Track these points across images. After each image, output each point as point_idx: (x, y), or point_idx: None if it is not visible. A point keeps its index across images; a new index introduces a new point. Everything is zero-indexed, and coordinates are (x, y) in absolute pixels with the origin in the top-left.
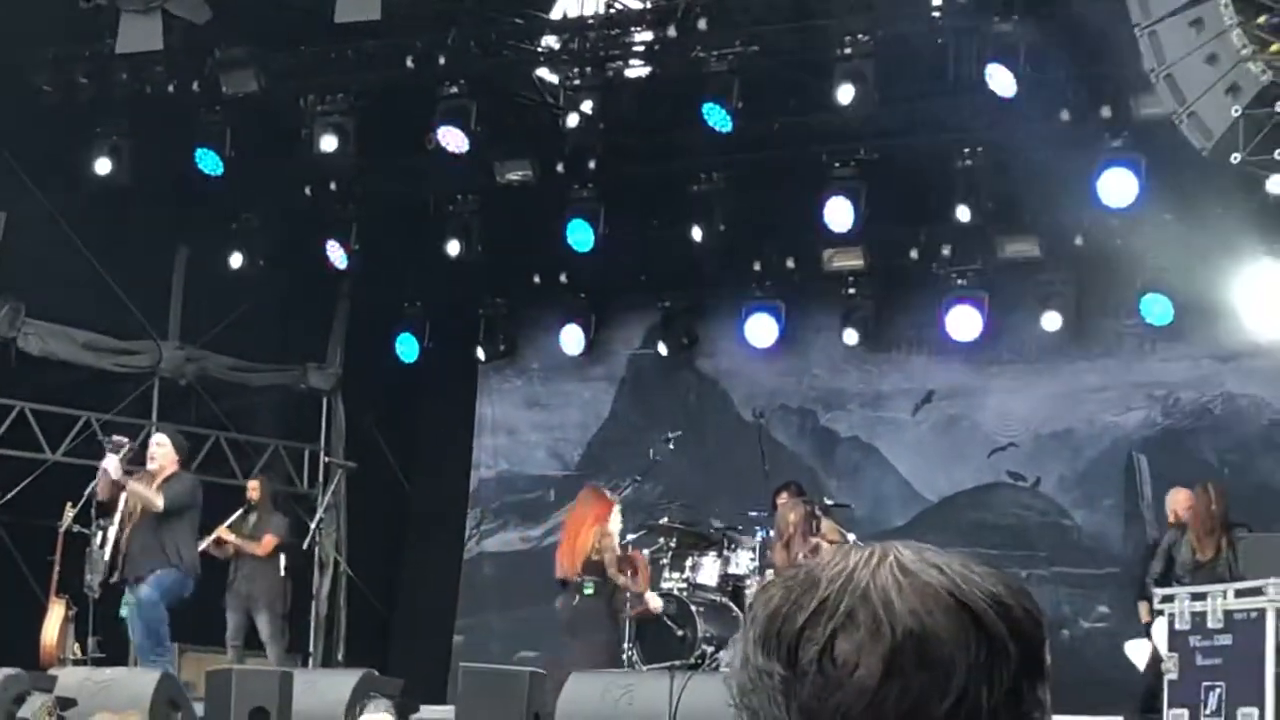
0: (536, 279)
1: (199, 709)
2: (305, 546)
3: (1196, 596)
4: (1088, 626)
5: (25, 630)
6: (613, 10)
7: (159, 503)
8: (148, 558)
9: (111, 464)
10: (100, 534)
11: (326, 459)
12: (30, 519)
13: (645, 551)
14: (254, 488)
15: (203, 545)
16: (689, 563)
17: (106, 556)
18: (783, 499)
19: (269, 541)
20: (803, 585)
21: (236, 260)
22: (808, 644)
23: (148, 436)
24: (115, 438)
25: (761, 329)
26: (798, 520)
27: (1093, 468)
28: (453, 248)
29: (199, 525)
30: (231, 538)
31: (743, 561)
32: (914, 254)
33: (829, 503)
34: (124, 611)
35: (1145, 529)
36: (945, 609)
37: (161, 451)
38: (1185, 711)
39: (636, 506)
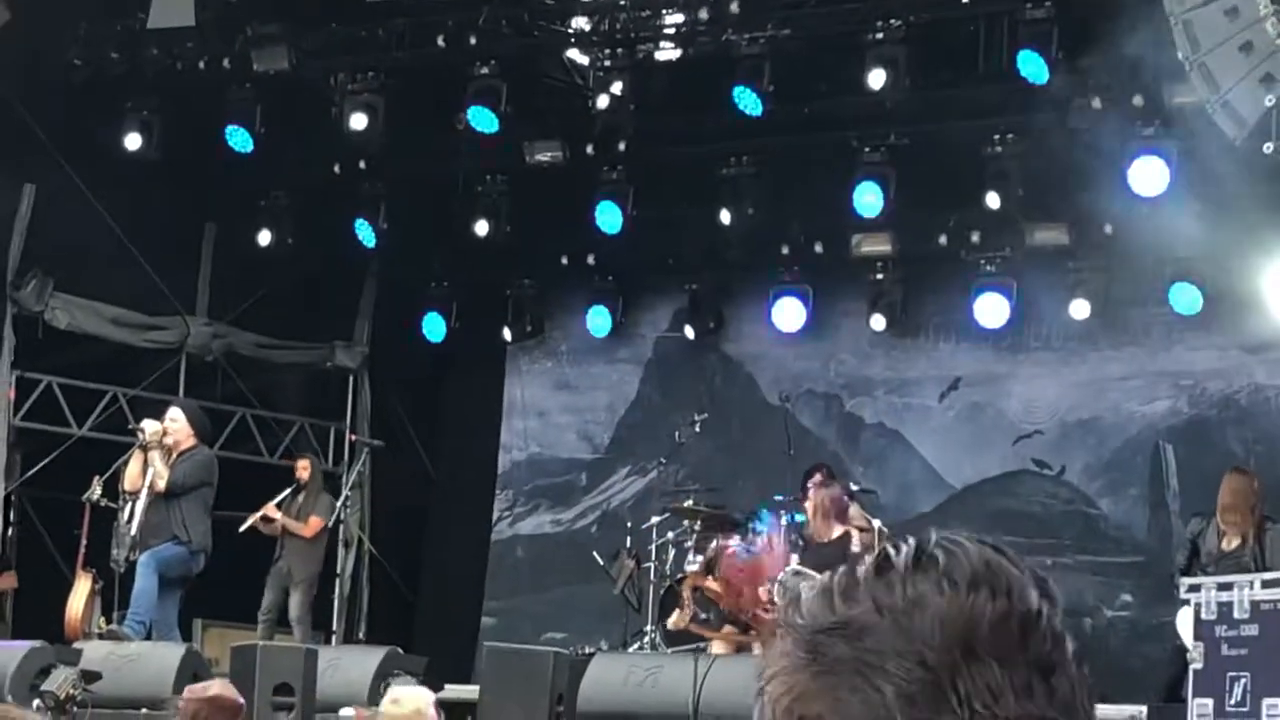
0: (564, 260)
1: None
2: (329, 524)
3: (1223, 586)
4: (1111, 615)
5: (51, 603)
6: None
7: (160, 483)
8: (157, 533)
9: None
10: (127, 508)
11: (353, 437)
12: (57, 493)
13: (670, 534)
14: (304, 467)
15: (249, 521)
16: (713, 545)
17: (133, 531)
18: (816, 480)
19: (314, 523)
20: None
21: (265, 237)
22: None
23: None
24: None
25: (789, 313)
26: (830, 504)
27: (1118, 456)
28: (481, 228)
29: (213, 502)
30: (279, 515)
31: None
32: (943, 240)
33: (855, 488)
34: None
35: (1170, 518)
36: None
37: (176, 426)
38: (1210, 701)
39: (662, 489)
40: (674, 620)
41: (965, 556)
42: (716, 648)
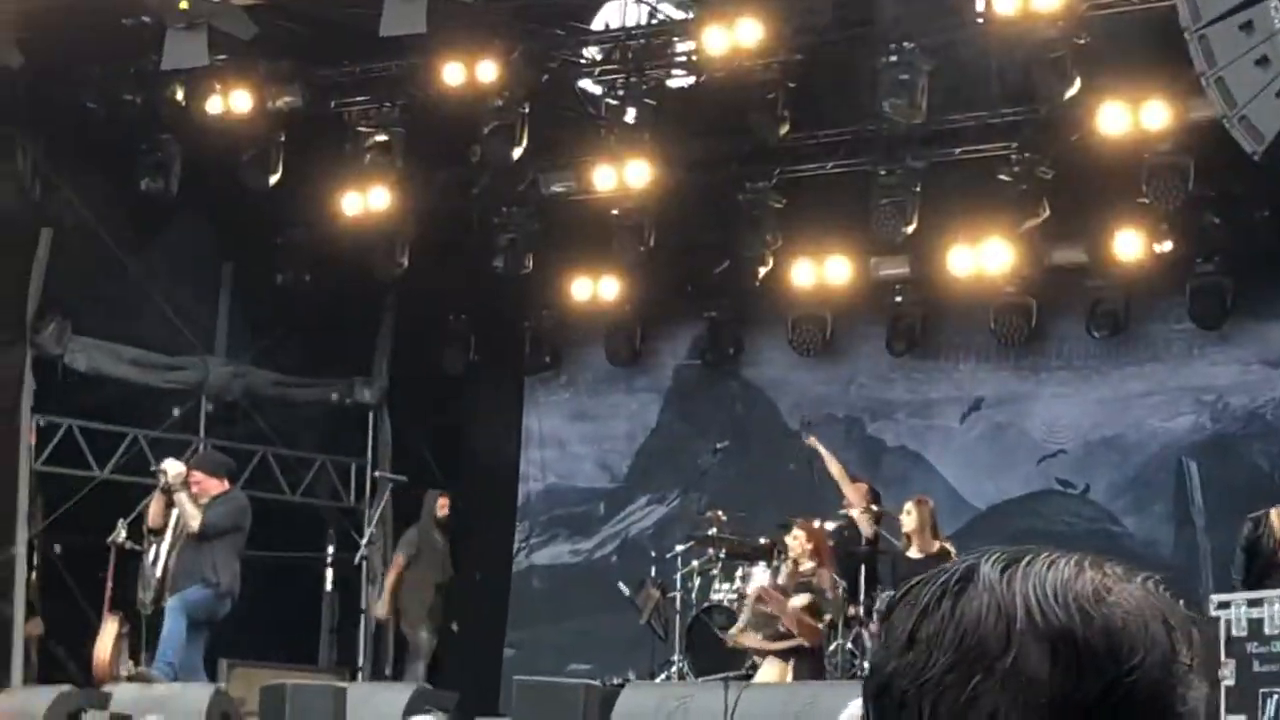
0: (582, 291)
1: None
2: (355, 562)
3: (1253, 603)
4: None
5: (79, 647)
6: (655, 20)
7: (194, 524)
8: (186, 577)
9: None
10: (153, 550)
11: (375, 474)
12: (81, 536)
13: (695, 563)
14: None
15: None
16: (739, 573)
17: (158, 574)
18: (917, 498)
19: (397, 562)
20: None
21: (282, 275)
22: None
23: (194, 455)
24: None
25: (808, 338)
26: (932, 519)
27: (1142, 474)
28: (498, 260)
29: (243, 546)
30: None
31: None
32: (962, 261)
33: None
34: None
35: (1196, 534)
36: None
37: (197, 479)
38: (1242, 718)
39: (684, 518)
40: (737, 632)
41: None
42: (767, 667)
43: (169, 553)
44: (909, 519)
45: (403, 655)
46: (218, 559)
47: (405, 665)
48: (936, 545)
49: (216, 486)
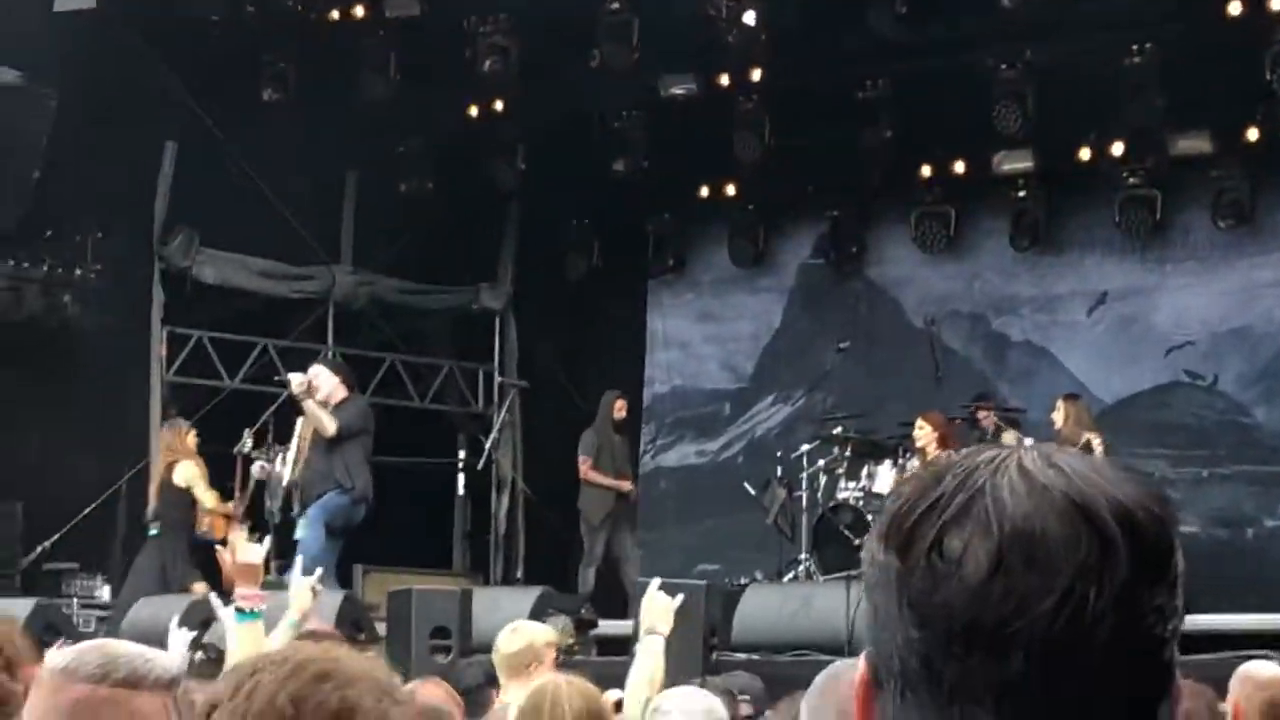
0: (704, 192)
1: (381, 629)
2: (481, 466)
3: None
4: (1271, 525)
5: (209, 556)
6: None
7: (331, 427)
8: (320, 483)
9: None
10: (277, 459)
11: (500, 379)
12: (210, 446)
13: (821, 462)
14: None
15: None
16: (865, 472)
17: (285, 481)
18: (1066, 395)
19: (585, 462)
20: (928, 481)
21: (405, 183)
22: (920, 538)
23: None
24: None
25: (931, 235)
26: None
27: (1272, 364)
28: (619, 164)
29: (372, 449)
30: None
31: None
32: (1084, 154)
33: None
34: (298, 534)
35: None
36: (1058, 509)
37: (321, 381)
38: None
39: (809, 417)
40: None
41: (1001, 523)
42: None
43: (296, 462)
44: (1059, 416)
45: (534, 559)
46: (350, 464)
47: (578, 569)
48: (1083, 437)
49: (342, 392)
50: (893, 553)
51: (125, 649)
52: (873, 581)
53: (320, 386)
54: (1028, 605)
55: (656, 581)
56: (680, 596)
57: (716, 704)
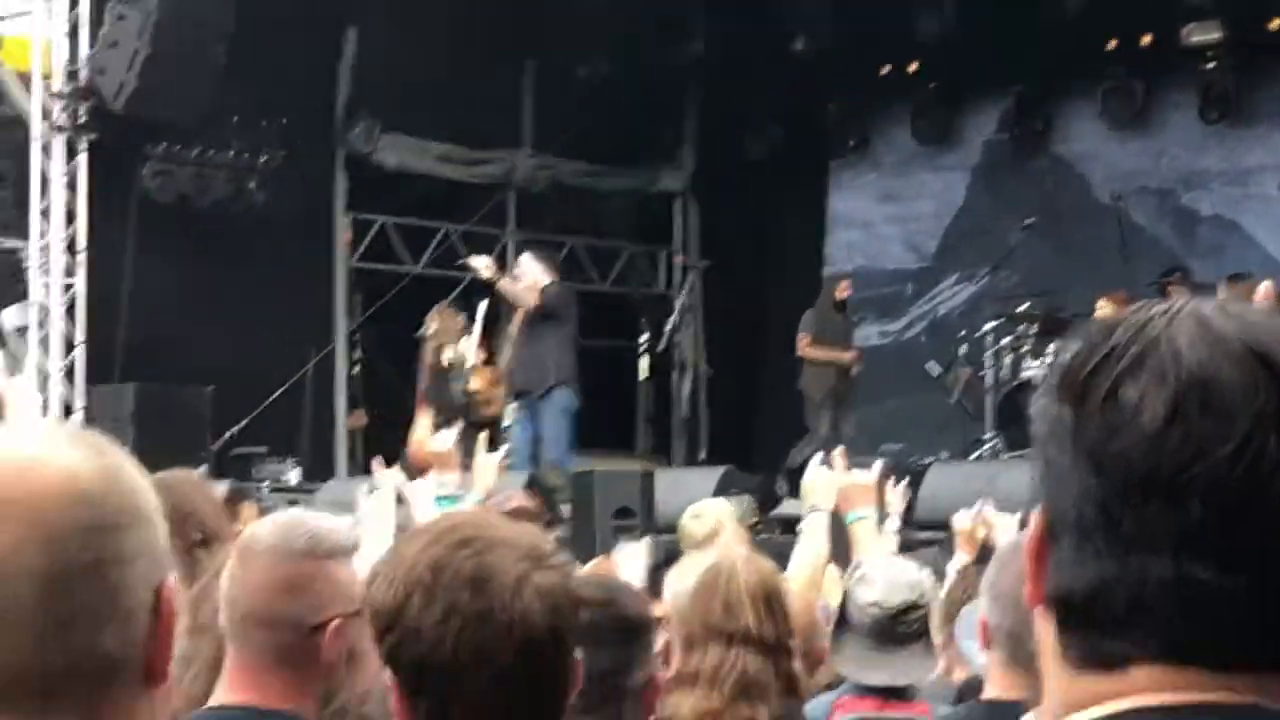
0: (886, 70)
1: (564, 511)
2: (663, 349)
3: None
4: None
5: (399, 438)
6: None
7: (529, 299)
8: (534, 369)
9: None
10: (463, 341)
11: (681, 260)
12: (395, 330)
13: (1005, 340)
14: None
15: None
16: (1050, 349)
17: (468, 364)
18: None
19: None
20: (1101, 334)
21: (584, 65)
22: (1095, 388)
23: (502, 254)
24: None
25: (1118, 110)
26: None
27: None
28: (799, 43)
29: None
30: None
31: None
32: (1275, 24)
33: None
34: (507, 422)
35: None
36: (1235, 357)
37: (526, 268)
38: None
39: (993, 296)
40: None
41: (1178, 371)
42: None
43: (498, 351)
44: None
45: (717, 441)
46: (561, 348)
47: (797, 448)
48: None
49: (547, 277)
50: (1067, 404)
51: (321, 522)
52: (1046, 434)
53: (525, 274)
54: (1205, 452)
55: (818, 457)
56: (863, 471)
57: (922, 577)
